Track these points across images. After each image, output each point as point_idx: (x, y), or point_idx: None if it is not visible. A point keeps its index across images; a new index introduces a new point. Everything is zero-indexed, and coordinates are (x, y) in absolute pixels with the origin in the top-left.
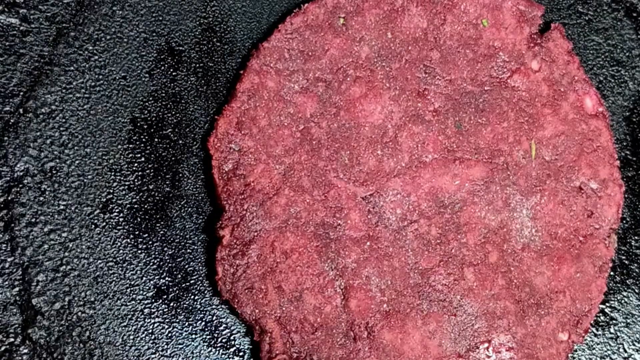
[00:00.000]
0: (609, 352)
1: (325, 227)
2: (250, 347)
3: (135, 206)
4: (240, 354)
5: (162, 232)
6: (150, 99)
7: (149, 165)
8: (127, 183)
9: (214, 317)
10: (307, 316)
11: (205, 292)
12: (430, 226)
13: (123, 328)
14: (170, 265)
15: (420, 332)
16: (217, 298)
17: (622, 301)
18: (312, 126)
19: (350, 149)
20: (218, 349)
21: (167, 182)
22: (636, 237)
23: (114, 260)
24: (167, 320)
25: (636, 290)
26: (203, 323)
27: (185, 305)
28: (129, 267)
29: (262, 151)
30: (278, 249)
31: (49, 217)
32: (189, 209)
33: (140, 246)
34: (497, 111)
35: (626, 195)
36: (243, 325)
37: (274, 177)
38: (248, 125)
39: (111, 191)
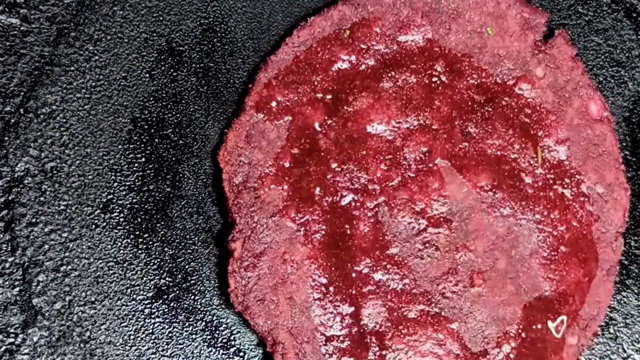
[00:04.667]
0: (609, 352)
1: (335, 237)
2: (251, 346)
3: (136, 206)
4: (241, 354)
5: (162, 232)
6: (151, 99)
7: (150, 166)
8: (127, 183)
9: (214, 317)
10: (319, 327)
11: (206, 292)
12: (438, 234)
13: (123, 328)
14: (170, 265)
15: (430, 339)
16: (217, 298)
17: (622, 301)
18: (320, 137)
19: (358, 159)
20: (218, 349)
21: (168, 183)
22: (636, 238)
23: (115, 260)
24: (167, 320)
25: (635, 291)
26: (203, 323)
27: (185, 306)
28: (129, 267)
29: (271, 163)
30: (289, 260)
31: (49, 217)
32: (190, 210)
33: (140, 246)
34: (503, 118)
35: None
36: (254, 335)
37: (283, 189)
38: (257, 138)
39: (112, 191)
